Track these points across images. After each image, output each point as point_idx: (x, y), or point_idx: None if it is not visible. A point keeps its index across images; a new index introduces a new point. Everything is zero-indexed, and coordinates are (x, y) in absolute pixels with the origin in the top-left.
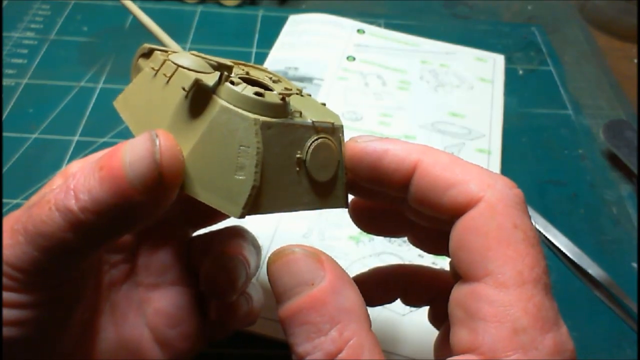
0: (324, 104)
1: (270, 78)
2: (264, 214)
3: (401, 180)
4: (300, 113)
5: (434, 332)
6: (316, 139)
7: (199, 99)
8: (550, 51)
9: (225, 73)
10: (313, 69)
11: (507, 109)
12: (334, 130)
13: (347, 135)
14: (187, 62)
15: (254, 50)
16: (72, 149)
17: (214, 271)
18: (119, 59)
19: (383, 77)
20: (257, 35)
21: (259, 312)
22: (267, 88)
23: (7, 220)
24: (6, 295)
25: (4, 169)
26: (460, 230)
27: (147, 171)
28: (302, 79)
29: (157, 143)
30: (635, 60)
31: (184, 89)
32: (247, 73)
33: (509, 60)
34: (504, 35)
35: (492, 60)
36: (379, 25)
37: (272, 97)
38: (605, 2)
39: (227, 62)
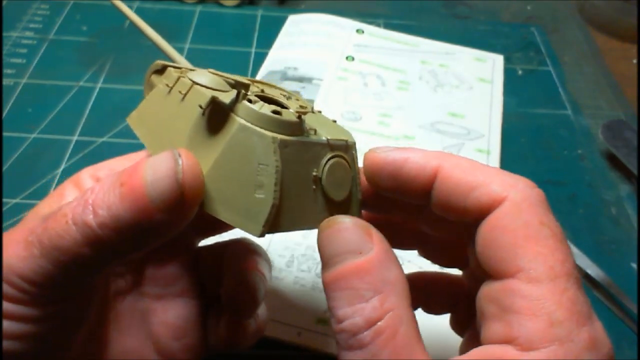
0: (335, 121)
1: (283, 94)
2: (282, 232)
3: (422, 187)
4: (315, 130)
5: (446, 336)
6: (331, 157)
7: (216, 116)
8: (550, 51)
9: (243, 91)
10: (312, 69)
11: (506, 109)
12: (348, 148)
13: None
14: (204, 80)
15: (253, 50)
16: (71, 148)
17: (236, 288)
18: (118, 58)
19: (382, 77)
20: (256, 35)
21: (264, 328)
22: (282, 105)
23: (20, 231)
24: (14, 307)
25: (3, 169)
26: (487, 230)
27: (169, 190)
28: (301, 79)
29: (180, 162)
30: (635, 61)
31: (200, 106)
32: (262, 91)
33: (508, 61)
34: (503, 35)
35: (491, 61)
36: (379, 25)
37: (289, 115)
38: (604, 2)
39: (244, 80)
